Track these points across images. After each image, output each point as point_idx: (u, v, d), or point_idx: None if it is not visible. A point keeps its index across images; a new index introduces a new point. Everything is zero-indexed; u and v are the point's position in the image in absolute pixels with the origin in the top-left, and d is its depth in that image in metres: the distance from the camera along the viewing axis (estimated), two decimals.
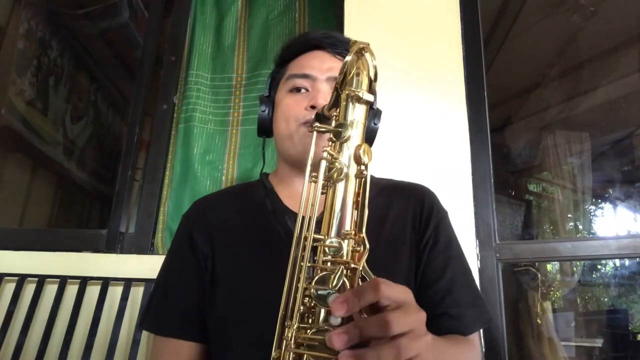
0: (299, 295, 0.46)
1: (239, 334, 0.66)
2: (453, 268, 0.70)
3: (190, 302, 0.71)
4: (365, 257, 0.46)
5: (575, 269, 2.30)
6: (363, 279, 0.46)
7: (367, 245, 0.46)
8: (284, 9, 1.65)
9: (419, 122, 1.25)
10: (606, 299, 3.01)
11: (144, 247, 1.36)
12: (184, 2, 1.64)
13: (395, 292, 0.42)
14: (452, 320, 0.66)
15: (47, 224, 2.35)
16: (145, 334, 1.14)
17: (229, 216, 0.76)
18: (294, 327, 0.45)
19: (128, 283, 1.19)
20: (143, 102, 1.52)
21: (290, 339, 0.45)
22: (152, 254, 1.36)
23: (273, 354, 0.46)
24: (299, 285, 0.47)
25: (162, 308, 0.72)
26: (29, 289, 1.21)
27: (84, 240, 1.39)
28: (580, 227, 2.40)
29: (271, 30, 1.63)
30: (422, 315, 0.43)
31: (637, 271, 2.86)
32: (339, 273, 0.44)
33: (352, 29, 1.31)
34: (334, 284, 0.44)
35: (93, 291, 1.19)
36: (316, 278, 0.45)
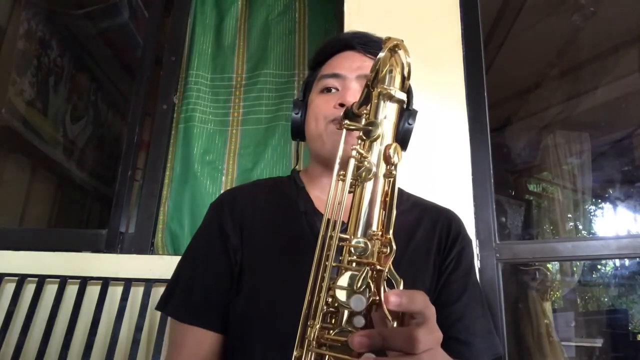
0: (322, 295, 0.45)
1: (259, 329, 0.66)
2: (469, 295, 0.70)
3: (217, 292, 0.70)
4: (391, 259, 0.45)
5: (575, 269, 2.30)
6: (388, 281, 0.45)
7: (394, 247, 0.45)
8: (284, 9, 1.65)
9: (419, 122, 1.24)
10: (606, 299, 3.01)
11: (144, 247, 1.36)
12: (184, 2, 1.64)
13: (430, 309, 0.42)
14: (461, 346, 0.66)
15: (47, 224, 2.35)
16: (145, 334, 1.14)
17: (261, 211, 0.75)
18: (317, 327, 0.44)
19: (128, 283, 1.19)
20: (143, 102, 1.52)
21: (313, 339, 0.44)
22: (152, 254, 1.36)
23: (295, 353, 0.46)
24: (322, 284, 0.46)
25: (188, 294, 0.71)
26: (29, 289, 1.21)
27: (84, 240, 1.39)
28: (580, 227, 2.40)
29: (271, 30, 1.63)
30: (441, 336, 0.43)
31: (637, 271, 2.86)
32: (364, 274, 0.43)
33: (351, 29, 1.31)
34: (359, 285, 0.42)
35: (93, 291, 1.19)
36: (340, 278, 0.43)
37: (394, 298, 0.40)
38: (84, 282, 1.20)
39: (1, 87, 1.95)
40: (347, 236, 0.46)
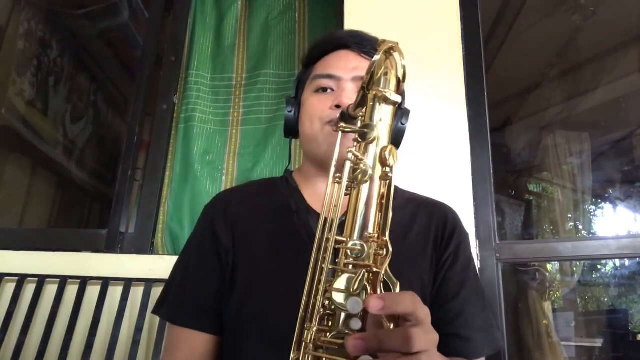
0: (319, 297, 0.45)
1: (253, 331, 0.66)
2: (468, 290, 0.70)
3: (210, 294, 0.70)
4: (388, 261, 0.45)
5: (575, 269, 2.30)
6: (385, 283, 0.45)
7: (390, 249, 0.45)
8: (284, 9, 1.65)
9: (419, 122, 1.25)
10: (606, 299, 3.01)
11: (144, 247, 1.36)
12: (184, 2, 1.64)
13: (422, 310, 0.42)
14: (460, 342, 0.66)
15: (47, 224, 2.35)
16: (145, 334, 1.14)
17: (253, 212, 0.76)
18: (314, 329, 0.44)
19: (128, 283, 1.19)
20: (143, 102, 1.52)
21: (310, 341, 0.44)
22: (152, 254, 1.36)
23: (292, 355, 0.46)
24: (319, 287, 0.46)
25: (181, 298, 0.71)
26: (29, 289, 1.21)
27: (84, 240, 1.39)
28: (580, 227, 2.40)
29: (271, 30, 1.63)
30: (437, 337, 0.43)
31: (637, 271, 2.86)
32: (360, 276, 0.43)
33: (351, 29, 1.31)
34: (355, 288, 0.43)
35: (93, 291, 1.20)
36: (337, 281, 0.44)
37: (374, 302, 0.40)
38: (84, 282, 1.20)
39: (1, 87, 1.95)
40: (344, 238, 0.46)
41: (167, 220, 1.41)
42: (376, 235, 0.46)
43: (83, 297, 1.19)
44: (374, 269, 0.45)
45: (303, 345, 0.45)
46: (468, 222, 1.16)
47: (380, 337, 0.40)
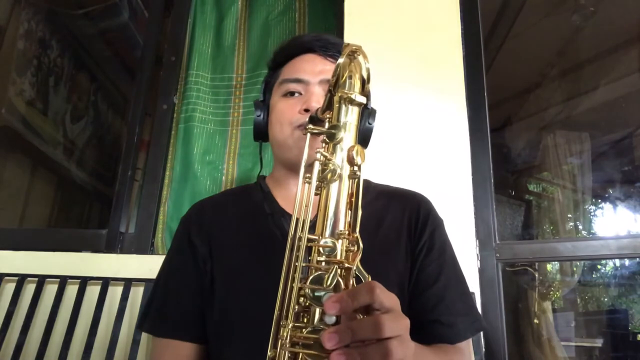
0: (294, 295, 0.46)
1: (236, 334, 0.67)
2: (447, 275, 0.71)
3: (190, 304, 0.71)
4: (359, 256, 0.46)
5: (575, 269, 2.30)
6: (357, 278, 0.47)
7: (361, 245, 0.47)
8: (284, 9, 1.65)
9: (419, 122, 1.25)
10: (606, 299, 3.01)
11: (144, 247, 1.36)
12: (184, 2, 1.64)
13: (387, 298, 0.43)
14: (443, 328, 0.66)
15: (47, 224, 2.35)
16: (145, 334, 1.14)
17: (227, 219, 0.77)
18: (289, 327, 0.45)
19: (128, 283, 1.19)
20: (143, 102, 1.52)
21: (286, 338, 0.45)
22: (152, 254, 1.36)
23: (269, 353, 0.47)
24: (293, 285, 0.47)
25: (162, 310, 0.73)
26: (29, 289, 1.21)
27: (84, 240, 1.39)
28: (580, 227, 2.40)
29: (271, 30, 1.63)
30: (408, 322, 0.44)
31: (637, 271, 2.86)
32: (333, 272, 0.45)
33: (352, 29, 1.32)
34: (328, 284, 0.44)
35: (93, 291, 1.19)
36: (311, 278, 0.45)
37: (330, 307, 0.41)
38: (84, 282, 1.20)
39: (1, 87, 1.95)
40: (316, 237, 0.48)
41: (167, 220, 1.41)
42: (347, 232, 0.48)
43: (83, 297, 1.19)
44: (346, 265, 0.46)
45: (279, 343, 0.46)
46: (468, 222, 1.16)
47: (352, 328, 0.41)
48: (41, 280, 1.21)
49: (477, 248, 1.15)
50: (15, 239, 1.38)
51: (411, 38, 1.32)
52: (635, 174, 2.59)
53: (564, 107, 2.45)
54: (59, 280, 1.21)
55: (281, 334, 0.45)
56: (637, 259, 2.55)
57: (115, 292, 1.20)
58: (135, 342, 1.11)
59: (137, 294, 1.19)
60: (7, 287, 1.23)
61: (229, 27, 1.65)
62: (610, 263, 2.98)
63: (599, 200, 2.93)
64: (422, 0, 1.35)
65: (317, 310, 0.45)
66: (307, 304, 0.45)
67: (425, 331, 0.45)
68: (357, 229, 0.47)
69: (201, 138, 1.50)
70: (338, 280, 0.45)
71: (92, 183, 2.60)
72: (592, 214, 2.90)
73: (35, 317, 1.17)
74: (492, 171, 1.22)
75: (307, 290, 0.45)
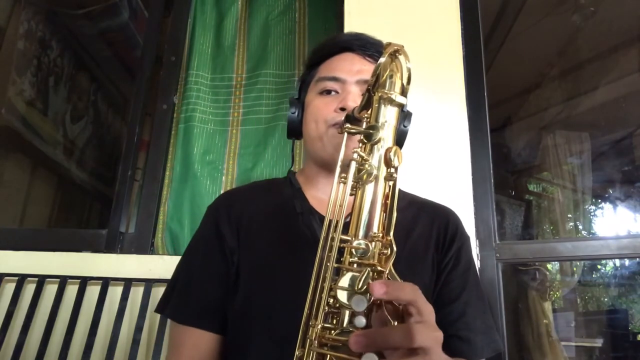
0: (324, 295, 0.46)
1: (257, 329, 0.66)
2: (469, 292, 0.71)
3: (214, 294, 0.71)
4: (392, 260, 0.46)
5: (575, 269, 2.30)
6: None
7: (394, 248, 0.46)
8: (284, 9, 1.65)
9: (419, 122, 1.25)
10: (606, 299, 3.01)
11: (144, 247, 1.36)
12: (184, 2, 1.64)
13: (426, 306, 0.42)
14: (461, 344, 0.67)
15: (47, 224, 2.35)
16: (145, 334, 1.14)
17: (257, 212, 0.76)
18: (318, 327, 0.45)
19: (128, 283, 1.19)
20: (143, 102, 1.52)
21: (314, 339, 0.44)
22: (152, 254, 1.36)
23: (297, 352, 0.46)
24: (324, 285, 0.46)
25: (186, 296, 0.72)
26: (29, 289, 1.21)
27: (84, 240, 1.39)
28: (580, 227, 2.40)
29: (271, 30, 1.63)
30: (441, 335, 0.43)
31: (637, 271, 2.86)
32: (365, 274, 0.44)
33: (352, 29, 1.31)
34: (360, 286, 0.43)
35: (93, 291, 1.19)
36: (342, 279, 0.44)
37: (379, 287, 0.40)
38: (84, 282, 1.20)
39: (1, 87, 1.95)
40: (349, 238, 0.46)
41: (167, 220, 1.41)
42: (380, 234, 0.47)
43: (83, 297, 1.19)
44: (378, 268, 0.45)
45: (307, 342, 0.45)
46: (468, 222, 1.16)
47: (382, 333, 0.40)
48: (41, 280, 1.21)
49: (477, 248, 1.15)
50: (15, 239, 1.38)
51: (411, 38, 1.32)
52: (635, 174, 2.59)
53: (564, 107, 2.45)
54: (59, 280, 1.21)
55: (310, 334, 0.45)
56: (637, 259, 2.55)
57: (115, 292, 1.19)
58: (135, 342, 1.10)
59: (137, 294, 1.19)
60: (7, 287, 1.22)
61: (229, 27, 1.65)
62: (610, 263, 2.98)
63: (599, 200, 2.93)
64: (422, 0, 1.35)
65: (347, 312, 0.44)
66: (337, 305, 0.44)
67: (443, 345, 0.45)
68: (391, 232, 0.47)
69: (201, 138, 1.50)
70: (369, 284, 0.43)
71: (92, 183, 2.60)
72: (592, 214, 2.90)
73: (35, 317, 1.17)
74: (492, 171, 1.22)
75: (337, 292, 0.44)
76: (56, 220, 2.40)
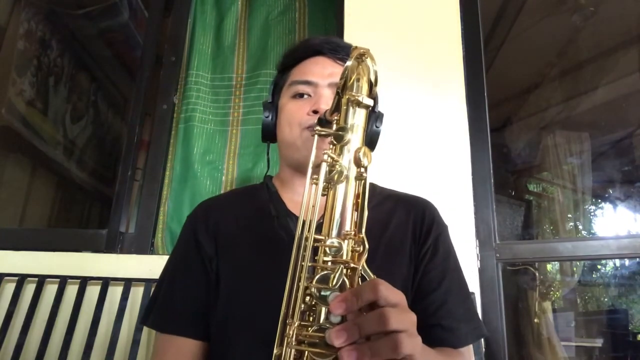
0: (300, 294, 0.47)
1: (240, 333, 0.67)
2: (450, 281, 0.71)
3: (196, 301, 0.72)
4: (364, 257, 0.47)
5: (575, 269, 2.30)
6: (363, 278, 0.47)
7: (367, 246, 0.47)
8: (284, 9, 1.65)
9: (419, 122, 1.25)
10: (606, 299, 3.01)
11: (144, 247, 1.36)
12: (184, 2, 1.64)
13: (392, 294, 0.43)
14: (444, 332, 0.67)
15: (47, 224, 2.35)
16: (145, 334, 1.14)
17: (233, 219, 0.77)
18: (295, 325, 0.46)
19: (128, 283, 1.19)
20: (143, 102, 1.52)
21: (292, 337, 0.45)
22: (152, 254, 1.36)
23: (275, 351, 0.47)
24: (300, 284, 0.47)
25: (167, 306, 0.73)
26: (29, 289, 1.21)
27: (84, 240, 1.39)
28: (580, 227, 2.40)
29: (271, 30, 1.63)
30: (414, 317, 0.44)
31: (637, 271, 2.86)
32: (339, 272, 0.45)
33: (352, 29, 1.32)
34: (334, 283, 0.44)
35: (93, 291, 1.19)
36: (317, 277, 0.46)
37: (337, 307, 0.42)
38: (84, 282, 1.20)
39: (1, 87, 1.95)
40: (322, 237, 0.48)
41: (167, 220, 1.41)
42: (353, 232, 0.48)
43: (83, 297, 1.19)
44: (352, 265, 0.46)
45: (285, 340, 0.46)
46: (468, 222, 1.16)
47: (358, 323, 0.41)
48: (41, 280, 1.21)
49: (477, 248, 1.15)
50: (15, 239, 1.38)
51: (411, 38, 1.32)
52: (635, 174, 2.59)
53: (564, 107, 2.45)
54: (59, 280, 1.21)
55: (287, 332, 0.46)
56: (637, 259, 2.55)
57: (115, 292, 1.20)
58: (135, 342, 1.11)
59: (137, 294, 1.19)
60: (7, 287, 1.23)
61: (229, 27, 1.65)
62: (610, 263, 2.98)
63: (599, 200, 2.93)
64: (422, 0, 1.35)
65: (323, 310, 0.45)
66: (313, 303, 0.46)
67: (426, 335, 0.45)
68: (363, 230, 0.48)
69: (201, 138, 1.50)
70: (344, 280, 0.45)
71: (92, 183, 2.60)
72: (592, 214, 2.90)
73: (35, 317, 1.17)
74: (492, 171, 1.23)
75: (313, 290, 0.45)
76: (56, 220, 2.40)
